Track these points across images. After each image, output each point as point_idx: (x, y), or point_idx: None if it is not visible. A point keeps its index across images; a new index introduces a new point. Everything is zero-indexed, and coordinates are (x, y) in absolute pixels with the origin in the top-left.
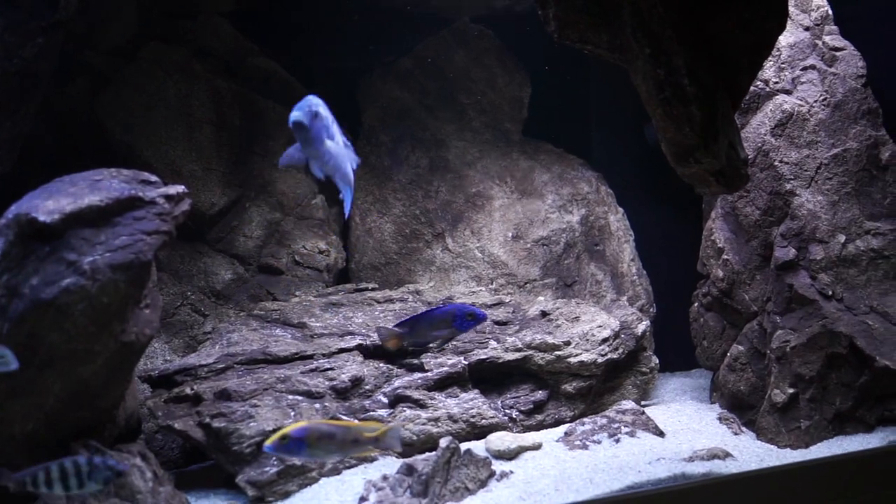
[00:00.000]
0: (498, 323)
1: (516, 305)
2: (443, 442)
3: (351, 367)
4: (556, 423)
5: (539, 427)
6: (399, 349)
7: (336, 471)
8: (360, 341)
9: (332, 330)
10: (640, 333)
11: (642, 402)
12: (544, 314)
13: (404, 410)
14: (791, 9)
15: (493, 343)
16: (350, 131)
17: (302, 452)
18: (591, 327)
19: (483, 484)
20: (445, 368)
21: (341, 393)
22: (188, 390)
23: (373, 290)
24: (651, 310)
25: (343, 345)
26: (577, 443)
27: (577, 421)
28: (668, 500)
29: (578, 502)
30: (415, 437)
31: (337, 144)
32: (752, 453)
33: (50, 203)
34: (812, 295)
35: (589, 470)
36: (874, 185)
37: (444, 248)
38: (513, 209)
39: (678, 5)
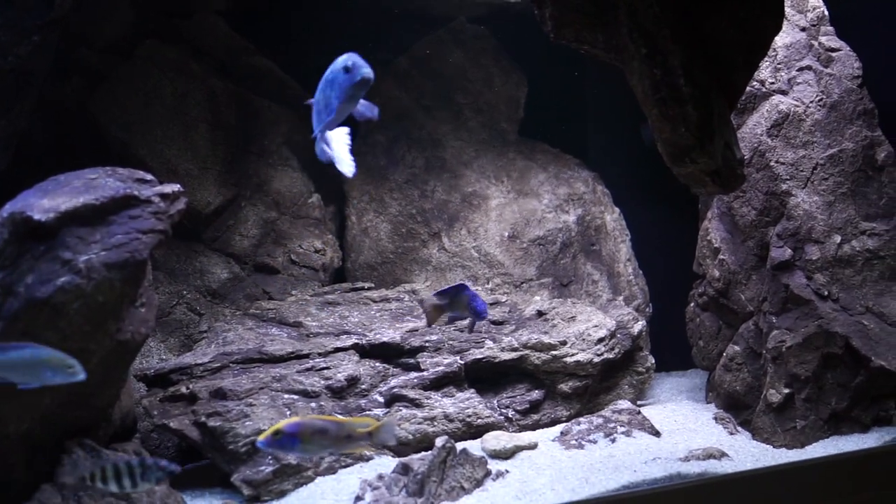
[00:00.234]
0: (494, 322)
1: (512, 305)
2: (439, 441)
3: (347, 367)
4: (552, 423)
5: (535, 427)
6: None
7: (332, 470)
8: (356, 340)
9: (328, 329)
10: (636, 333)
11: (638, 402)
12: (540, 314)
13: (400, 410)
14: (787, 9)
15: (489, 342)
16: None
17: (295, 448)
18: (587, 327)
19: (479, 483)
20: (441, 368)
21: (337, 392)
22: (184, 389)
23: (369, 289)
24: (647, 310)
25: (339, 344)
26: (573, 442)
27: (573, 420)
28: (663, 499)
29: (574, 502)
30: (411, 437)
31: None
32: (747, 453)
33: (45, 201)
34: (808, 295)
35: (585, 469)
36: (870, 185)
37: (440, 247)
38: (509, 209)
39: (674, 5)
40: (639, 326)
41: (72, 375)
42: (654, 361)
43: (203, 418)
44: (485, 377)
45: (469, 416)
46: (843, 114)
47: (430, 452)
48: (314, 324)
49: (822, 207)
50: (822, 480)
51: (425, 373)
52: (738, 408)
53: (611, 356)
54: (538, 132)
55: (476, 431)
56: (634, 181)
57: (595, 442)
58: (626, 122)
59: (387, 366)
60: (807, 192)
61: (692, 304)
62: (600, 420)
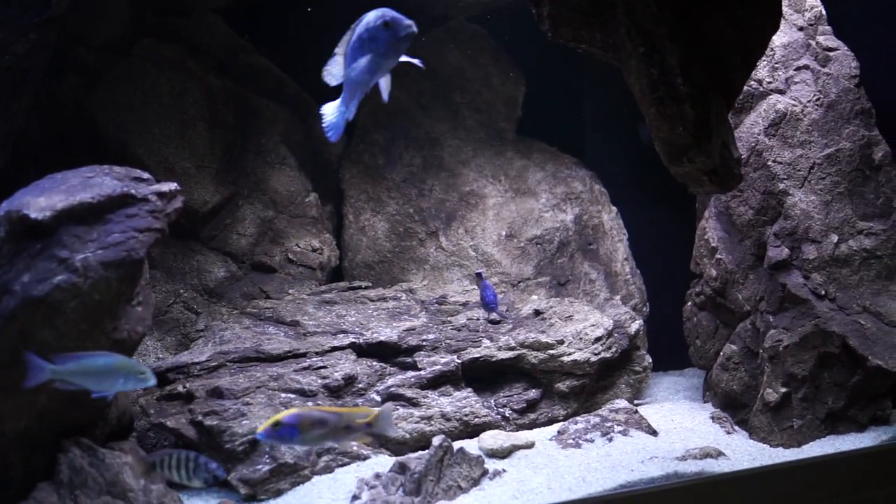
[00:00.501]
0: (491, 321)
1: (510, 304)
2: (436, 440)
3: (344, 366)
4: (550, 422)
5: (532, 426)
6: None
7: (329, 469)
8: (354, 339)
9: (325, 328)
10: (633, 332)
11: (635, 401)
12: (538, 313)
13: (397, 409)
14: (785, 9)
15: (486, 342)
16: (344, 130)
17: (294, 439)
18: (584, 326)
19: (476, 482)
20: (439, 367)
21: (334, 391)
22: (180, 388)
23: (366, 288)
24: (644, 309)
25: (336, 343)
26: (570, 441)
27: (570, 420)
28: (660, 498)
29: (571, 501)
30: (408, 436)
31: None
32: (744, 452)
33: (42, 200)
34: (805, 294)
35: (582, 468)
36: (867, 185)
37: (437, 246)
38: (506, 208)
39: (672, 4)
40: (636, 326)
41: (143, 381)
42: (651, 361)
43: (200, 417)
44: (482, 376)
45: (466, 416)
46: (840, 113)
47: (427, 451)
48: (311, 323)
49: (819, 207)
50: (818, 480)
51: (422, 372)
52: (735, 407)
53: (608, 355)
54: (536, 131)
55: (473, 430)
56: (632, 180)
57: (592, 441)
58: (623, 121)
59: (384, 365)
60: (804, 192)
61: (689, 304)
62: (597, 419)
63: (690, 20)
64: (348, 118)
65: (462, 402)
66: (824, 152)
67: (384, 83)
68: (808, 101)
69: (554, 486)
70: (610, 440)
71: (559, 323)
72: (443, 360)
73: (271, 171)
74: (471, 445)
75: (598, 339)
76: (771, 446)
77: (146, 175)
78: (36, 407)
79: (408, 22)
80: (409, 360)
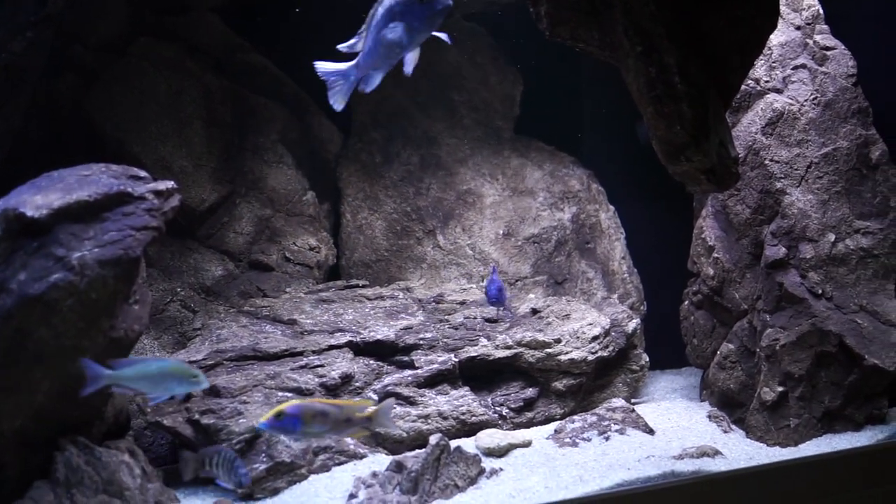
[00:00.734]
0: (488, 320)
1: (507, 303)
2: (432, 439)
3: (341, 364)
4: (547, 421)
5: (529, 424)
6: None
7: (325, 467)
8: (351, 338)
9: (322, 327)
10: (630, 331)
11: (632, 400)
12: (535, 312)
13: (394, 407)
14: (782, 8)
15: (483, 340)
16: (342, 129)
17: (296, 430)
18: (581, 325)
19: (473, 481)
20: (436, 366)
21: (331, 390)
22: None
23: (363, 287)
24: (641, 308)
25: (333, 341)
26: (567, 440)
27: (567, 418)
28: (657, 497)
29: (568, 500)
30: (405, 434)
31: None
32: (741, 451)
33: (38, 198)
34: (802, 293)
35: (578, 467)
36: (864, 184)
37: (434, 245)
38: (504, 206)
39: (670, 3)
40: (633, 324)
41: (196, 384)
42: (648, 359)
43: (196, 416)
44: (479, 375)
45: (463, 414)
46: (837, 112)
47: (424, 450)
48: (308, 321)
49: (816, 206)
50: (815, 478)
51: (419, 371)
52: (731, 406)
53: (605, 354)
54: (534, 130)
55: (470, 429)
56: (629, 179)
57: (589, 440)
58: (621, 120)
59: (381, 363)
60: (801, 191)
61: (686, 303)
62: (594, 418)
63: (688, 19)
64: (364, 89)
65: (459, 400)
66: (821, 151)
67: (412, 56)
68: (806, 100)
69: (551, 484)
70: (607, 439)
71: (556, 322)
72: (440, 359)
73: (268, 170)
74: (468, 444)
75: (595, 338)
76: (768, 445)
77: (143, 173)
78: (33, 406)
79: None
80: (406, 358)
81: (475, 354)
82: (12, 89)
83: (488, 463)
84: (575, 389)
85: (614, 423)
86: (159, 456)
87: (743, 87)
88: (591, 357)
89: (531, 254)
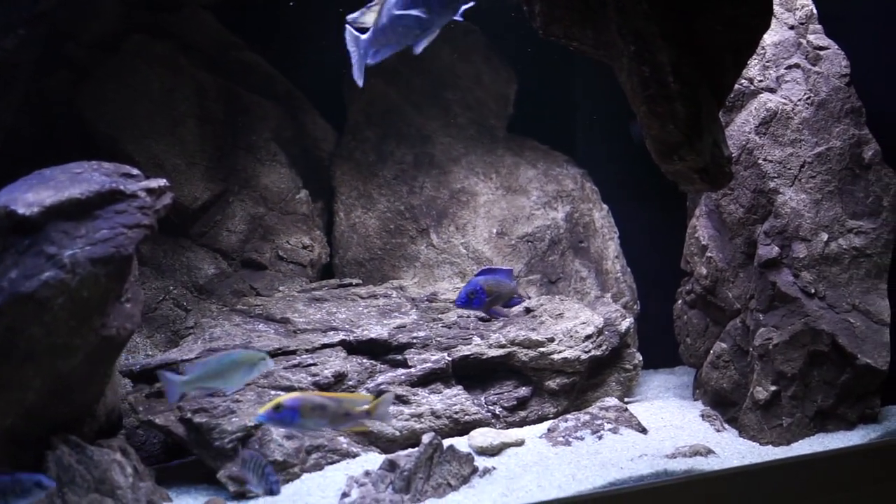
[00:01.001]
0: (482, 319)
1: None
2: (425, 438)
3: (334, 363)
4: (540, 420)
5: (522, 423)
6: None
7: (318, 466)
8: (344, 337)
9: (315, 325)
10: (623, 330)
11: (625, 399)
12: (528, 311)
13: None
14: (776, 7)
15: (476, 339)
16: (335, 127)
17: (295, 422)
18: (574, 324)
19: (465, 480)
20: (429, 365)
21: (324, 389)
22: None
23: (356, 285)
24: (635, 307)
25: (326, 340)
26: (560, 439)
27: (561, 417)
28: (650, 496)
29: (561, 499)
30: (398, 433)
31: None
32: (734, 450)
33: (30, 196)
34: (794, 293)
35: (571, 466)
36: (857, 183)
37: (428, 244)
38: (497, 205)
39: (663, 2)
40: (626, 323)
41: (265, 365)
42: (641, 358)
43: (189, 415)
44: (472, 374)
45: (456, 413)
46: (830, 112)
47: (416, 449)
48: (301, 320)
49: (809, 205)
50: (808, 477)
51: (413, 369)
52: (724, 405)
53: (598, 353)
54: (527, 129)
55: (463, 428)
56: (623, 178)
57: (582, 439)
58: (614, 119)
59: (374, 362)
60: (794, 190)
61: (680, 302)
62: (587, 417)
63: (682, 18)
64: (370, 61)
65: (452, 399)
66: (815, 151)
67: (426, 40)
68: (799, 100)
69: (544, 483)
70: (600, 438)
71: (550, 321)
72: (433, 358)
73: (262, 168)
74: (461, 443)
75: (588, 337)
76: (760, 444)
77: (135, 171)
78: (24, 404)
79: None
80: (399, 357)
81: (468, 353)
82: (4, 87)
83: (481, 462)
84: (568, 388)
85: (607, 422)
86: (151, 455)
87: (736, 86)
88: (584, 356)
89: (525, 253)
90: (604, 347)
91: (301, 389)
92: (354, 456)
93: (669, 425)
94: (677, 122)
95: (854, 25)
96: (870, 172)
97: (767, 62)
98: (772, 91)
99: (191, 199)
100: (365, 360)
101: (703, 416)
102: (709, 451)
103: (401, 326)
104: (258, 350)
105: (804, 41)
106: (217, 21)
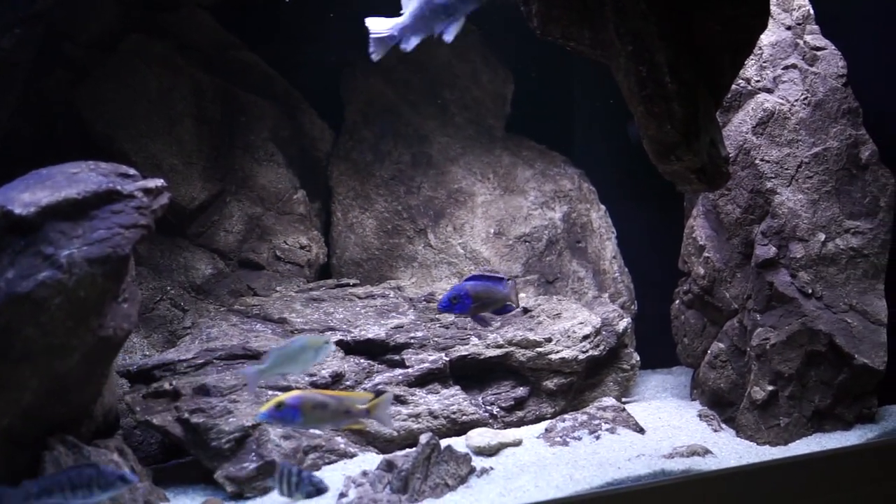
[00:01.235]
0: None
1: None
2: (423, 438)
3: (331, 363)
4: (537, 420)
5: (520, 423)
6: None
7: (316, 467)
8: (341, 337)
9: (312, 325)
10: (621, 330)
11: (623, 399)
12: (526, 311)
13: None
14: (773, 8)
15: (474, 339)
16: (333, 127)
17: (296, 420)
18: (572, 324)
19: (463, 480)
20: (426, 365)
21: (322, 388)
22: (167, 385)
23: (354, 285)
24: (632, 307)
25: None
26: (558, 439)
27: (558, 417)
28: (647, 496)
29: (558, 499)
30: (395, 433)
31: None
32: (731, 450)
33: (26, 196)
34: (792, 293)
35: (569, 466)
36: (854, 183)
37: (425, 244)
38: (495, 205)
39: (661, 2)
40: (624, 323)
41: (329, 347)
42: (638, 359)
43: (186, 415)
44: (470, 374)
45: (454, 413)
46: (827, 112)
47: (414, 449)
48: (299, 320)
49: (806, 206)
50: (805, 477)
51: (410, 370)
52: (722, 405)
53: (596, 353)
54: (525, 129)
55: (461, 428)
56: (620, 178)
57: (579, 439)
58: (612, 119)
59: (371, 362)
60: (791, 191)
61: (677, 302)
62: (585, 417)
63: (679, 18)
64: (406, 48)
65: (450, 399)
66: (811, 151)
67: (455, 25)
68: (796, 100)
69: (541, 483)
70: (597, 438)
71: (547, 321)
72: (431, 358)
73: (259, 168)
74: (458, 443)
75: (586, 337)
76: (758, 444)
77: (132, 171)
78: (21, 404)
79: None
80: (396, 357)
81: (466, 353)
82: (2, 86)
83: (479, 462)
84: (566, 388)
85: (605, 423)
86: (149, 455)
87: (734, 86)
88: (581, 356)
89: (522, 253)
90: (601, 347)
91: (299, 389)
92: (352, 456)
93: (667, 425)
94: (674, 123)
95: (851, 26)
96: (867, 173)
97: (764, 62)
98: (769, 91)
99: (188, 199)
100: (362, 361)
101: (700, 416)
102: (706, 451)
103: (398, 326)
104: (320, 335)
105: (801, 41)
106: (215, 21)
